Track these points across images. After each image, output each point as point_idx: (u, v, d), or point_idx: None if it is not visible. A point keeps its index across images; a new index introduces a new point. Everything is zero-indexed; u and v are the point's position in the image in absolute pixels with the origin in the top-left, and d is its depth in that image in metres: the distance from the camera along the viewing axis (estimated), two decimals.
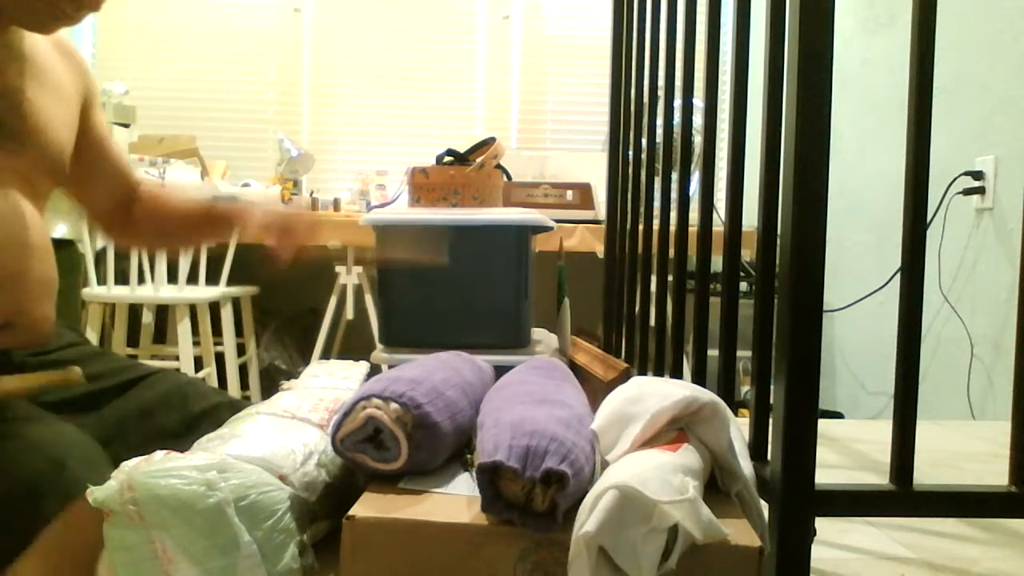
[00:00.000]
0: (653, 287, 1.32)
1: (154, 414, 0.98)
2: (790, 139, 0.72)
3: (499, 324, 1.41)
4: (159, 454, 0.65)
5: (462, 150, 1.54)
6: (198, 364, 2.55)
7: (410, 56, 3.55)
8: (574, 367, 1.42)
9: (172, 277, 2.49)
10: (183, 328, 2.45)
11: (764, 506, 0.73)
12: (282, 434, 0.74)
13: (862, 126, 2.65)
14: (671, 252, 1.25)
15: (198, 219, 1.16)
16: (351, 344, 3.25)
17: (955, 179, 2.10)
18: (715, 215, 1.14)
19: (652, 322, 1.32)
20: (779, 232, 0.76)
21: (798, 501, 0.72)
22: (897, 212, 0.78)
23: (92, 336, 2.49)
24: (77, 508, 0.70)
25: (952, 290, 2.13)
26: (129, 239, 1.22)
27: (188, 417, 1.00)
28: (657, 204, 1.30)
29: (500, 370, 0.99)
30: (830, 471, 1.28)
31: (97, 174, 1.10)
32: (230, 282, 2.65)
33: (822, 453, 1.33)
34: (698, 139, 2.40)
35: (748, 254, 2.36)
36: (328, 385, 0.95)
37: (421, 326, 1.42)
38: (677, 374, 1.20)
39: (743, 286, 2.65)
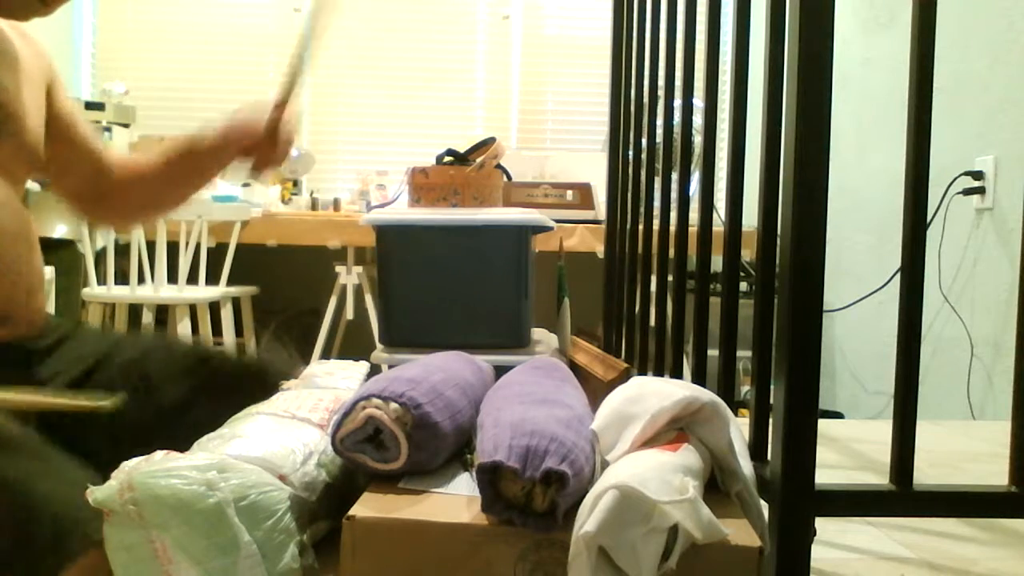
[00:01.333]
0: (653, 287, 1.32)
1: (145, 361, 0.97)
2: (790, 139, 0.72)
3: (499, 324, 1.41)
4: (159, 454, 0.65)
5: (462, 150, 1.54)
6: None
7: (410, 56, 3.55)
8: (574, 367, 1.42)
9: (172, 277, 2.49)
10: (183, 328, 2.45)
11: (764, 506, 0.73)
12: (282, 434, 0.74)
13: (862, 126, 2.65)
14: (671, 252, 1.25)
15: (182, 164, 1.12)
16: (351, 344, 3.25)
17: (955, 179, 2.10)
18: (715, 215, 1.14)
19: (652, 322, 1.32)
20: (779, 232, 0.76)
21: (798, 501, 0.72)
22: (897, 212, 0.78)
23: None
24: (84, 563, 0.69)
25: (952, 290, 2.13)
26: (111, 217, 1.17)
27: (177, 361, 0.99)
28: (657, 204, 1.30)
29: (500, 370, 0.99)
30: (830, 471, 1.28)
31: (71, 156, 1.08)
32: (230, 282, 2.65)
33: (822, 453, 1.33)
34: (698, 139, 2.40)
35: (748, 254, 2.36)
36: (328, 385, 0.95)
37: (421, 326, 1.42)
38: (677, 374, 1.20)
39: (743, 286, 2.65)
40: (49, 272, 2.30)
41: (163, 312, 2.89)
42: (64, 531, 0.68)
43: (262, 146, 1.09)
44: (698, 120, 1.32)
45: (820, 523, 0.76)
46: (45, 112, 1.02)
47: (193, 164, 1.13)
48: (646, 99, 1.38)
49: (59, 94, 1.06)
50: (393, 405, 0.71)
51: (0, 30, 0.93)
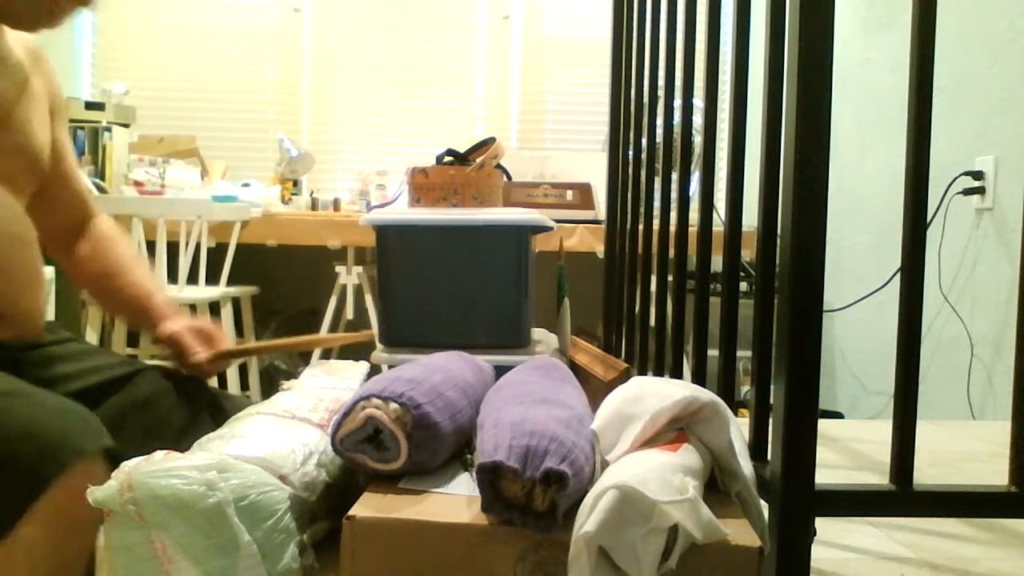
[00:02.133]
0: (653, 287, 1.32)
1: (153, 406, 0.98)
2: (790, 139, 0.72)
3: (499, 324, 1.41)
4: (159, 454, 0.65)
5: (462, 150, 1.54)
6: None
7: (410, 56, 3.55)
8: (574, 367, 1.42)
9: (172, 277, 2.49)
10: None
11: (764, 506, 0.73)
12: (282, 434, 0.74)
13: (862, 126, 2.65)
14: (671, 252, 1.25)
15: (129, 302, 1.10)
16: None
17: (955, 179, 2.10)
18: (715, 215, 1.14)
19: (652, 322, 1.32)
20: (779, 232, 0.76)
21: (798, 501, 0.72)
22: (897, 212, 0.78)
23: (92, 336, 2.49)
24: (78, 472, 0.70)
25: (952, 290, 2.13)
26: (74, 274, 1.15)
27: (186, 408, 1.00)
28: (657, 204, 1.30)
29: (500, 370, 0.99)
30: (830, 471, 1.28)
31: (50, 188, 1.05)
32: (230, 282, 2.65)
33: (822, 453, 1.33)
34: (698, 139, 2.40)
35: (748, 254, 2.36)
36: (328, 385, 0.95)
37: (421, 326, 1.41)
38: (677, 374, 1.20)
39: (743, 286, 2.65)
40: (49, 273, 2.30)
41: None
42: (50, 444, 0.70)
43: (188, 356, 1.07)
44: (698, 120, 1.32)
45: (820, 523, 0.76)
46: (50, 133, 1.02)
47: (135, 313, 1.11)
48: (646, 99, 1.38)
49: (58, 120, 1.05)
50: (393, 405, 0.71)
51: (7, 45, 0.94)
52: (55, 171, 1.05)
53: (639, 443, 0.68)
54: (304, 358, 3.19)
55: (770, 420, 0.75)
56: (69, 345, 1.00)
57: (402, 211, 1.44)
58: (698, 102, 1.18)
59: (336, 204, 3.09)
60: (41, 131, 0.98)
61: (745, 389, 2.70)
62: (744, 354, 1.03)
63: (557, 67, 3.61)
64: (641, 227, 1.39)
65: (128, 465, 0.63)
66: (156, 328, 1.07)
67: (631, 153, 1.47)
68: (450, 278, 1.40)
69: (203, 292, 2.50)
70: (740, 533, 0.62)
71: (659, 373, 1.28)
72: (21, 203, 0.95)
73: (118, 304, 1.13)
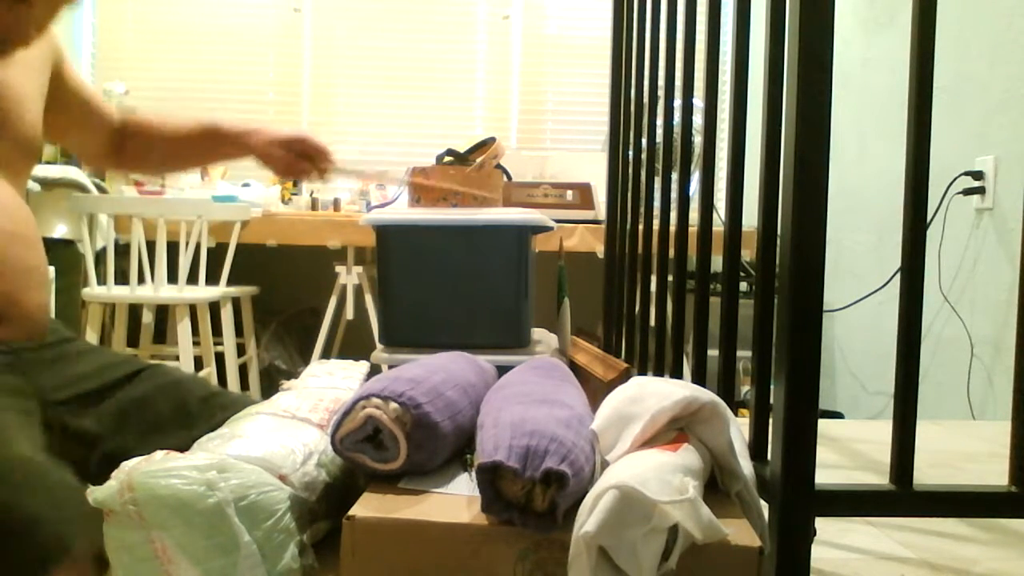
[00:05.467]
0: (653, 287, 1.32)
1: (152, 404, 0.98)
2: (790, 139, 0.72)
3: (499, 324, 1.41)
4: (159, 454, 0.65)
5: (462, 150, 1.54)
6: (198, 364, 2.55)
7: (410, 56, 3.55)
8: (574, 367, 1.42)
9: (172, 277, 2.49)
10: (183, 328, 2.45)
11: (764, 506, 0.73)
12: (282, 434, 0.74)
13: (862, 126, 2.65)
14: (671, 252, 1.25)
15: (204, 141, 1.22)
16: (351, 344, 3.25)
17: (955, 179, 2.10)
18: (715, 215, 1.14)
19: (652, 322, 1.32)
20: (779, 232, 0.76)
21: (798, 501, 0.72)
22: (897, 212, 0.79)
23: (92, 336, 2.49)
24: (64, 571, 0.68)
25: (952, 290, 2.13)
26: (131, 169, 1.28)
27: (185, 407, 1.00)
28: (657, 204, 1.30)
29: (500, 370, 0.99)
30: (830, 471, 1.28)
31: (82, 121, 1.16)
32: (230, 282, 2.65)
33: (822, 453, 1.33)
34: (698, 139, 2.40)
35: (748, 254, 2.36)
36: (328, 385, 0.95)
37: (421, 326, 1.41)
38: (677, 374, 1.20)
39: (743, 286, 2.65)
40: (49, 272, 2.30)
41: (163, 312, 2.89)
42: (47, 543, 0.67)
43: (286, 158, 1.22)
44: (698, 120, 1.32)
45: (820, 523, 0.76)
46: (48, 92, 1.05)
47: (213, 142, 1.23)
48: (646, 99, 1.38)
49: (66, 70, 1.10)
50: (393, 405, 0.71)
51: None
52: (80, 109, 1.15)
53: (639, 443, 0.68)
54: (304, 358, 3.19)
55: (770, 420, 0.75)
56: (71, 345, 1.00)
57: (402, 211, 1.44)
58: (698, 102, 1.18)
59: (336, 204, 3.09)
60: (36, 105, 0.99)
61: (745, 389, 2.70)
62: (744, 354, 1.04)
63: (557, 67, 3.61)
64: (641, 227, 1.39)
65: (128, 465, 0.63)
66: (245, 146, 1.20)
67: (631, 153, 1.47)
68: (450, 278, 1.40)
69: (203, 292, 2.50)
70: (740, 533, 0.62)
71: (659, 373, 1.28)
72: (20, 187, 0.95)
73: (196, 155, 1.27)
